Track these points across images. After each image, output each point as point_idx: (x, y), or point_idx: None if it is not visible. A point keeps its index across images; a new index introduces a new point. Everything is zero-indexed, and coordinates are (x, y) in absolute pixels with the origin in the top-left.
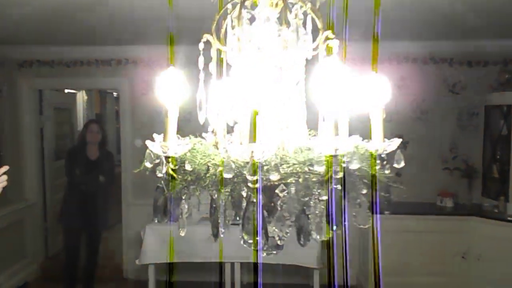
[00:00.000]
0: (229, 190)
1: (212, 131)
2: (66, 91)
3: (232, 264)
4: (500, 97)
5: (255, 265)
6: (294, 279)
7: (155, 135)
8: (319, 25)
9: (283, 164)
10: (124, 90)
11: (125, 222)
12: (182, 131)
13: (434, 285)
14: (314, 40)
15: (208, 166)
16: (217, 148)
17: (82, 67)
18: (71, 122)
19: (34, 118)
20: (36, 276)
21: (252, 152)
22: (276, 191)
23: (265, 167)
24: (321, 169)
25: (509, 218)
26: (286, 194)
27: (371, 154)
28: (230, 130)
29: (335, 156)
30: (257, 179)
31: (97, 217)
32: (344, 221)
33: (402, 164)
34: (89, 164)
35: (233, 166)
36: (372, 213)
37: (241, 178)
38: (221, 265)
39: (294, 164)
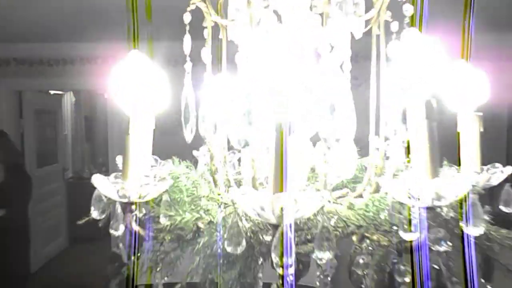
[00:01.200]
0: (236, 273)
1: (208, 151)
2: (52, 92)
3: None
4: None
5: None
6: None
7: (119, 160)
8: None
9: (339, 226)
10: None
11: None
12: (160, 149)
13: None
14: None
15: (198, 227)
16: (215, 184)
17: (66, 66)
18: (55, 126)
19: (13, 121)
20: None
21: (282, 209)
22: (313, 257)
23: (301, 230)
24: (412, 236)
25: None
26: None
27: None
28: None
29: (433, 208)
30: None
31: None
32: None
33: None
34: None
35: (244, 227)
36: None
37: (258, 248)
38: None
39: (359, 226)
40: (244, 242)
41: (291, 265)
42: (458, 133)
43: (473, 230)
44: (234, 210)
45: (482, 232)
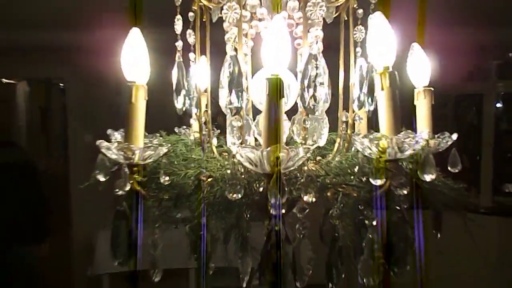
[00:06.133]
0: (234, 218)
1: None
2: (4, 81)
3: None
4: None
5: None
6: None
7: (111, 132)
8: None
9: (321, 176)
10: (71, 81)
11: (74, 228)
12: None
13: None
14: None
15: (201, 180)
16: (202, 148)
17: (18, 53)
18: (8, 116)
19: None
20: None
21: (279, 158)
22: (294, 210)
23: (288, 178)
24: (379, 182)
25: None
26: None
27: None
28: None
29: (396, 161)
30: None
31: None
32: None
33: (459, 167)
34: None
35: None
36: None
37: (252, 197)
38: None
39: (337, 175)
40: (242, 190)
41: (282, 205)
42: (415, 105)
43: (427, 176)
44: (233, 163)
45: (433, 177)
